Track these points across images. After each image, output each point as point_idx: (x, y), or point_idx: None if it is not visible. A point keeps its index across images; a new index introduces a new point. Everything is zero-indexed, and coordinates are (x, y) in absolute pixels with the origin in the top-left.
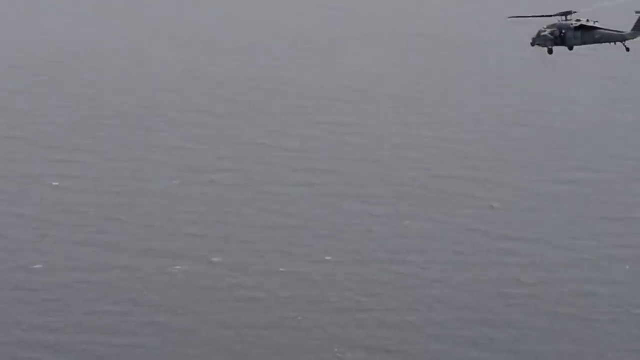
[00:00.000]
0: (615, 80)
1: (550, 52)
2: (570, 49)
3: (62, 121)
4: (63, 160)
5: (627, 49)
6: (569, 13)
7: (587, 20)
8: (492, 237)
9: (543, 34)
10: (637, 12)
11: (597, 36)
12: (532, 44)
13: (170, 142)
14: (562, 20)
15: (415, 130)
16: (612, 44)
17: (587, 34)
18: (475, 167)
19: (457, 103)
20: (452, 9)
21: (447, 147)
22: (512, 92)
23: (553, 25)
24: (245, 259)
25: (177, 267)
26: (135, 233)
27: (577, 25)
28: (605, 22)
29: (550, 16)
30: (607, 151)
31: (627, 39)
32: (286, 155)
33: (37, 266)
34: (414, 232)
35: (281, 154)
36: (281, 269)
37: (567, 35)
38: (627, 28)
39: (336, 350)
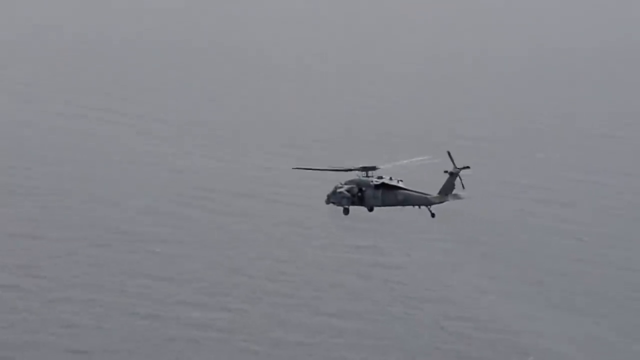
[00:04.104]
0: None
1: (346, 212)
2: (370, 209)
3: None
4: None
5: (432, 215)
6: (372, 168)
7: (390, 178)
8: None
9: (339, 190)
10: (445, 172)
11: (400, 197)
12: (327, 202)
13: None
14: (362, 176)
15: (479, 263)
16: (417, 207)
17: (388, 194)
18: None
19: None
20: None
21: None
22: None
23: (351, 181)
24: None
25: None
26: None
27: (378, 182)
28: (407, 182)
29: (338, 170)
30: None
31: (433, 203)
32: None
33: None
34: None
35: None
36: None
37: (366, 193)
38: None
39: None
